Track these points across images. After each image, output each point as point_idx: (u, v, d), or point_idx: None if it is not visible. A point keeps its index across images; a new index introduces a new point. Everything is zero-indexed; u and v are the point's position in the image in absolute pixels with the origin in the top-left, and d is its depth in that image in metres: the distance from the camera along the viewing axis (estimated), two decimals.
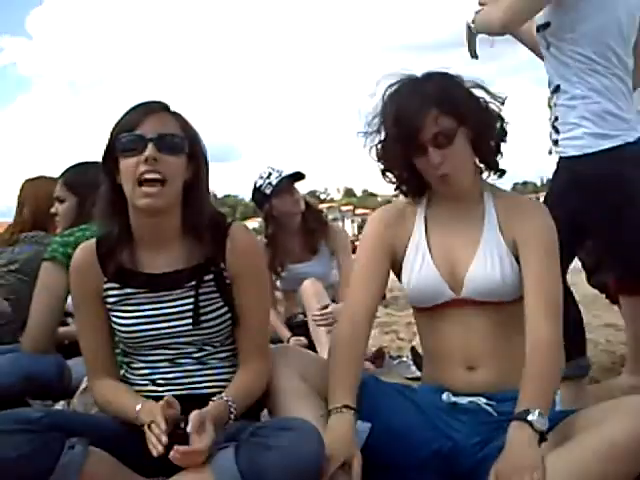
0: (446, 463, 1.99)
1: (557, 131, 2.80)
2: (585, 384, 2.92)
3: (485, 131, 2.08)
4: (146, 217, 1.96)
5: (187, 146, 1.95)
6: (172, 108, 2.01)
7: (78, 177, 3.23)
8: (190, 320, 1.98)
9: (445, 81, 2.08)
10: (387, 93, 2.10)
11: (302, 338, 3.93)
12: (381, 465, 1.98)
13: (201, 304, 1.98)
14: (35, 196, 3.56)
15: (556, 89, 2.82)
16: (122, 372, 2.12)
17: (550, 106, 2.86)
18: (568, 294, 2.76)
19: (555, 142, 2.81)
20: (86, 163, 3.31)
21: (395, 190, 2.22)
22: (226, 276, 2.01)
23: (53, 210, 3.29)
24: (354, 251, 5.71)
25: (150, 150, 1.86)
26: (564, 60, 2.78)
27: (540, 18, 2.82)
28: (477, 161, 2.13)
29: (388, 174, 2.18)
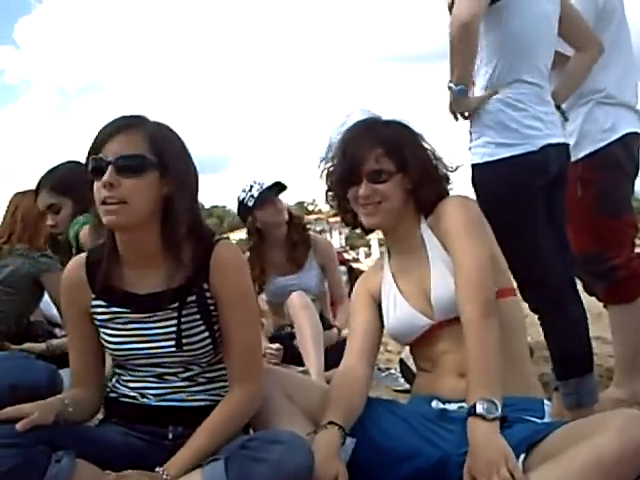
0: (434, 474, 1.99)
1: (470, 139, 2.84)
2: (595, 409, 2.82)
3: (424, 186, 2.20)
4: (122, 234, 1.96)
5: (155, 164, 1.90)
6: (154, 119, 1.97)
7: (63, 178, 3.21)
8: (174, 342, 1.97)
9: (402, 131, 2.24)
10: (351, 126, 2.26)
11: (276, 345, 3.95)
12: None
13: (184, 326, 1.96)
14: (26, 209, 3.53)
15: None
16: (113, 381, 2.11)
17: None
18: (579, 304, 2.82)
19: (469, 149, 2.85)
20: (60, 165, 3.31)
21: (334, 215, 2.43)
22: (209, 296, 1.98)
23: (50, 223, 3.25)
24: (342, 263, 5.71)
25: (108, 175, 1.85)
26: (479, 67, 2.80)
27: None
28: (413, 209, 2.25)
29: (330, 201, 2.35)
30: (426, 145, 2.26)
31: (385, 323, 2.27)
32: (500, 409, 1.84)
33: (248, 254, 4.22)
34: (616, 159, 3.24)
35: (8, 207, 3.63)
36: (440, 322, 2.14)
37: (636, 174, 3.37)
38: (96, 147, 1.90)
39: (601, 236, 3.23)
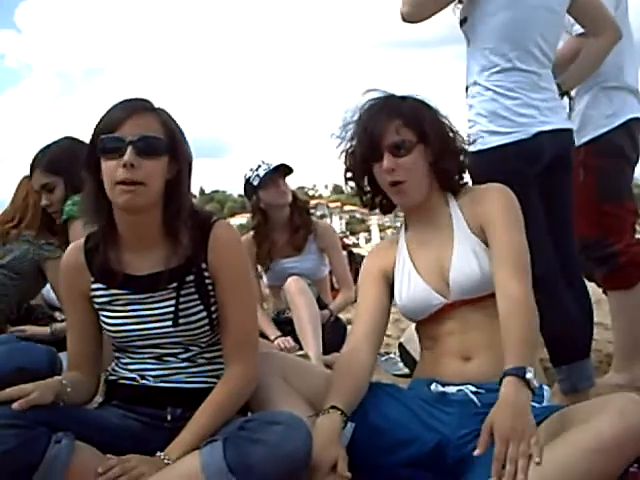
0: (432, 458, 1.99)
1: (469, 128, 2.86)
2: (590, 393, 2.85)
3: (445, 157, 2.21)
4: (127, 215, 1.95)
5: (168, 147, 1.93)
6: (156, 105, 1.98)
7: (56, 157, 3.24)
8: (171, 322, 1.98)
9: (418, 103, 2.25)
10: (365, 104, 2.25)
11: (289, 338, 3.94)
12: (367, 464, 1.99)
13: (182, 306, 1.97)
14: (37, 195, 3.52)
15: (466, 89, 2.88)
16: (112, 364, 2.12)
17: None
18: (583, 290, 2.87)
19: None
20: (54, 143, 3.33)
21: (356, 197, 2.38)
22: (207, 276, 2.00)
23: (44, 202, 3.27)
24: (344, 248, 5.73)
25: (129, 155, 1.84)
26: (476, 57, 2.82)
27: (460, 13, 2.86)
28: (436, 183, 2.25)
29: (351, 182, 2.33)
30: (443, 118, 2.27)
31: (397, 299, 2.27)
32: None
33: (252, 233, 4.24)
34: (619, 145, 3.25)
35: (18, 190, 3.61)
36: (453, 302, 2.15)
37: (637, 160, 3.37)
38: (110, 127, 1.89)
39: (602, 222, 3.24)
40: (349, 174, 2.32)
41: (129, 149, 1.85)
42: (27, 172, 3.58)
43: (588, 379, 2.83)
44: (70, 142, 3.30)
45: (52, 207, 3.27)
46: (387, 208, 2.36)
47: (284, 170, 4.18)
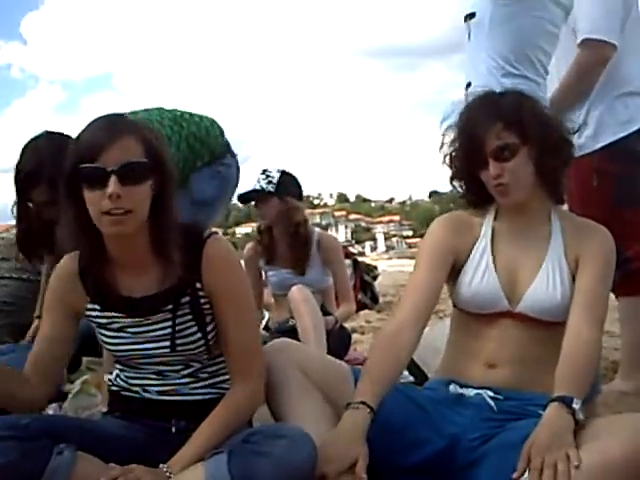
0: (443, 458, 1.98)
1: None
2: (597, 402, 2.87)
3: (549, 153, 2.12)
4: (116, 240, 1.89)
5: (152, 168, 1.84)
6: (127, 116, 1.91)
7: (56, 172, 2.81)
8: (169, 343, 1.95)
9: (518, 99, 2.16)
10: (465, 107, 2.20)
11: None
12: (380, 465, 1.93)
13: (179, 327, 1.94)
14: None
15: (468, 86, 2.86)
16: (114, 375, 2.09)
17: None
18: None
19: None
20: (39, 148, 2.80)
21: (461, 198, 2.30)
22: (203, 295, 1.95)
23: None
24: (346, 256, 5.73)
25: (112, 186, 1.75)
26: (480, 55, 2.81)
27: (467, 7, 2.87)
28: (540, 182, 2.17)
29: (455, 182, 2.26)
30: (544, 110, 2.21)
31: (464, 287, 2.18)
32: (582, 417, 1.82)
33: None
34: (634, 151, 3.25)
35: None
36: (515, 313, 2.11)
37: None
38: (90, 155, 1.79)
39: (617, 227, 3.20)
40: (454, 176, 2.25)
41: (112, 179, 1.76)
42: None
43: (593, 387, 2.82)
44: (56, 144, 2.68)
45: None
46: (489, 202, 2.25)
47: (261, 196, 4.13)
